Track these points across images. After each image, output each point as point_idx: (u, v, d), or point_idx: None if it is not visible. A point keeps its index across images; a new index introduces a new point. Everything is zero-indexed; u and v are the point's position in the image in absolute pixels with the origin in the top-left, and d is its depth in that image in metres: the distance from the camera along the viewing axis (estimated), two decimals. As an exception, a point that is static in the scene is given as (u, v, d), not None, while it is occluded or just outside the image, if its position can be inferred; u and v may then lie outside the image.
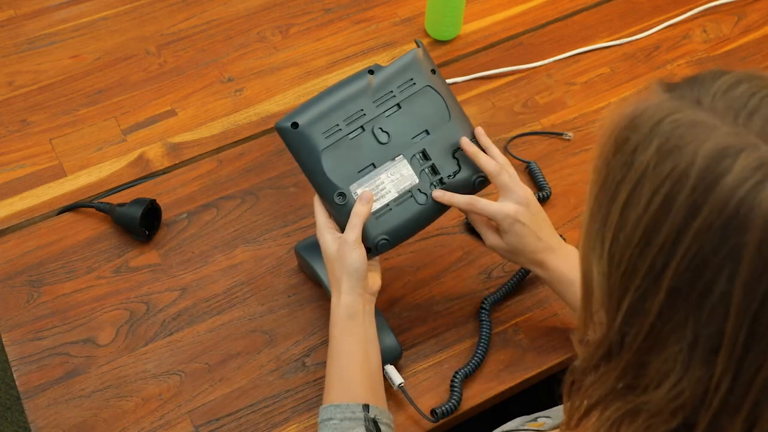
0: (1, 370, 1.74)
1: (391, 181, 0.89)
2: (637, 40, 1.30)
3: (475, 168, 0.91)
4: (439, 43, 1.29)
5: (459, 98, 1.21)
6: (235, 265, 1.03)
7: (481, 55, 1.27)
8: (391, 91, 0.91)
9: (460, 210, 0.91)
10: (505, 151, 1.14)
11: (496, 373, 0.94)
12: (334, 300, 0.86)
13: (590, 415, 0.58)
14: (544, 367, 0.95)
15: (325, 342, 0.96)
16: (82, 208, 1.08)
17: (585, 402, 0.58)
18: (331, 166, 0.88)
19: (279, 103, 1.21)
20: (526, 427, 0.82)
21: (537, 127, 1.18)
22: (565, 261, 0.88)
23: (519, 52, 1.28)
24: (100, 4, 1.33)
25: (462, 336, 0.97)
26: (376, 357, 0.85)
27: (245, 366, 0.95)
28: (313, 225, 1.06)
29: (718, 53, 1.29)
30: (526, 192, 0.89)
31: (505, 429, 0.84)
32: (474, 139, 0.93)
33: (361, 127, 0.89)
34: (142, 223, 1.03)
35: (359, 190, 0.88)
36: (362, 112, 0.89)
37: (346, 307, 0.84)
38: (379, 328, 0.92)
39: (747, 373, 0.49)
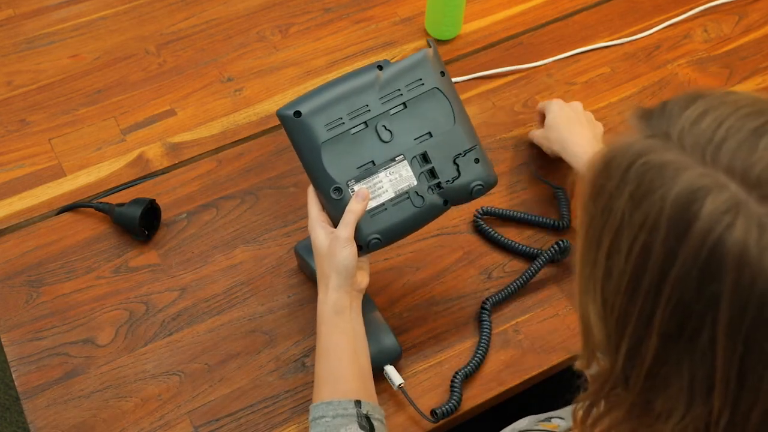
0: (0, 370, 1.74)
1: (389, 181, 0.89)
2: (637, 39, 1.30)
3: (474, 175, 0.90)
4: (439, 42, 1.28)
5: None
6: (234, 265, 1.03)
7: (481, 55, 1.27)
8: (399, 89, 0.89)
9: None
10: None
11: (497, 373, 0.94)
12: (321, 296, 0.85)
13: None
14: (545, 368, 0.95)
15: (325, 342, 0.96)
16: (82, 208, 1.08)
17: (597, 429, 0.59)
18: (330, 159, 0.87)
19: (279, 102, 1.20)
20: (539, 428, 0.82)
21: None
22: None
23: (519, 52, 1.27)
24: (99, 4, 1.33)
25: (462, 336, 0.97)
26: (364, 353, 0.85)
27: (245, 366, 0.95)
28: (313, 225, 1.06)
29: (718, 53, 1.28)
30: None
31: (517, 428, 0.84)
32: (479, 147, 0.91)
33: (365, 122, 0.88)
34: (141, 223, 1.02)
35: (356, 186, 0.88)
36: (367, 108, 0.88)
37: (333, 303, 0.84)
38: (380, 329, 0.92)
39: (743, 410, 0.50)
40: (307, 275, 1.01)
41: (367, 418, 0.79)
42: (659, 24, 1.32)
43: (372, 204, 0.88)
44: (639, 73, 1.25)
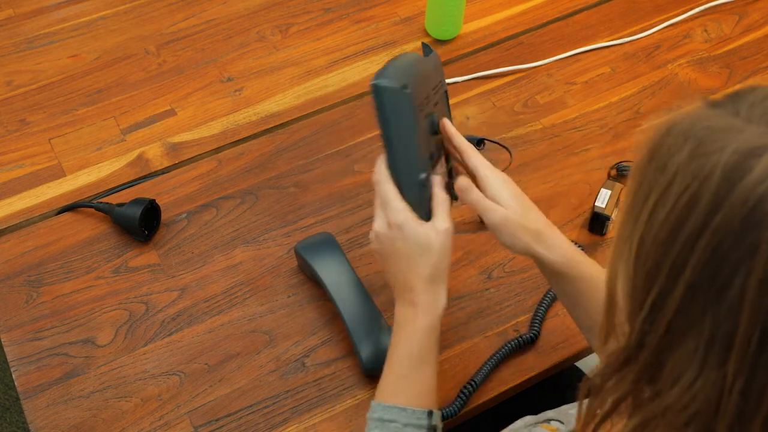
0: (0, 370, 1.74)
1: (440, 175, 0.83)
2: (637, 39, 1.30)
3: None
4: (439, 42, 1.28)
5: (459, 98, 1.21)
6: (234, 265, 1.03)
7: (481, 55, 1.27)
8: (440, 82, 0.85)
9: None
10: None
11: (496, 373, 0.94)
12: (436, 298, 0.79)
13: (606, 421, 0.58)
14: (545, 367, 0.95)
15: (324, 342, 0.96)
16: (82, 208, 1.08)
17: (601, 409, 0.58)
18: (420, 143, 0.79)
19: (279, 102, 1.21)
20: (538, 429, 0.81)
21: (538, 127, 1.18)
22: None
23: (519, 52, 1.27)
24: (99, 4, 1.33)
25: (462, 336, 0.97)
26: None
27: (245, 366, 0.95)
28: (313, 225, 1.06)
29: (719, 53, 1.28)
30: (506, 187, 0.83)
31: (514, 429, 0.84)
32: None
33: (429, 112, 0.82)
34: (141, 223, 1.02)
35: (432, 176, 0.81)
36: (431, 94, 0.83)
37: (443, 309, 0.79)
38: (380, 329, 0.92)
39: (761, 377, 0.49)
40: (307, 275, 1.01)
41: (434, 429, 0.78)
42: (659, 24, 1.32)
43: None
44: (639, 73, 1.25)
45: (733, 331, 0.49)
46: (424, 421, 0.77)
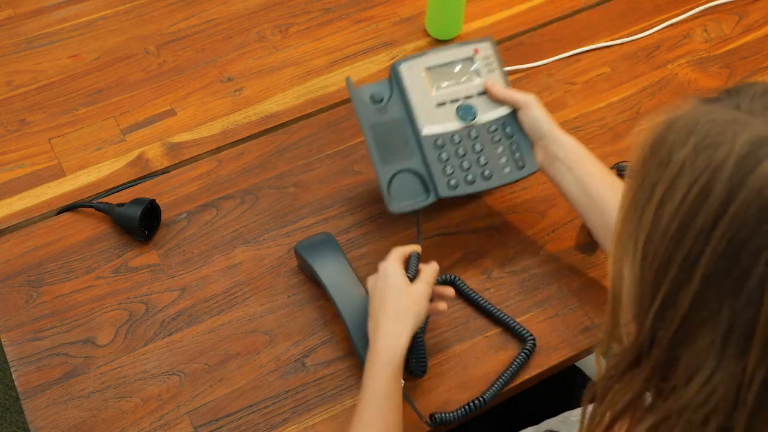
0: (0, 370, 1.74)
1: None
2: (637, 39, 1.30)
3: None
4: (439, 42, 1.28)
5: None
6: (234, 265, 1.03)
7: (482, 55, 1.27)
8: None
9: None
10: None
11: (496, 374, 0.94)
12: (396, 335, 0.83)
13: (614, 426, 0.57)
14: (545, 368, 0.95)
15: (324, 342, 0.96)
16: (82, 208, 1.08)
17: (609, 412, 0.57)
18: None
19: (279, 102, 1.21)
20: None
21: (537, 127, 1.18)
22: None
23: (519, 52, 1.27)
24: (99, 4, 1.33)
25: (462, 337, 0.97)
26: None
27: (245, 366, 0.95)
28: (313, 225, 1.06)
29: (719, 53, 1.28)
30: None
31: None
32: None
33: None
34: (141, 223, 1.02)
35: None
36: None
37: (403, 349, 0.83)
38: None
39: None
40: (307, 275, 1.01)
41: None
42: (659, 24, 1.32)
43: None
44: (639, 73, 1.25)
45: (754, 321, 0.48)
46: None
